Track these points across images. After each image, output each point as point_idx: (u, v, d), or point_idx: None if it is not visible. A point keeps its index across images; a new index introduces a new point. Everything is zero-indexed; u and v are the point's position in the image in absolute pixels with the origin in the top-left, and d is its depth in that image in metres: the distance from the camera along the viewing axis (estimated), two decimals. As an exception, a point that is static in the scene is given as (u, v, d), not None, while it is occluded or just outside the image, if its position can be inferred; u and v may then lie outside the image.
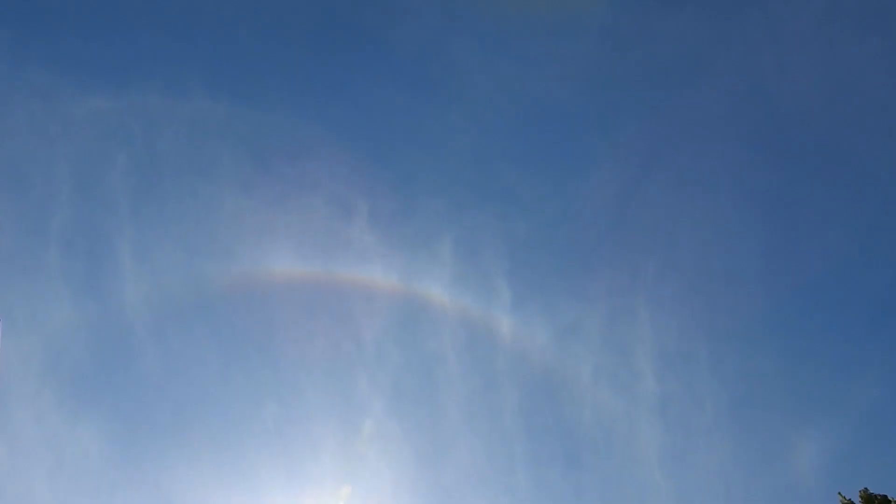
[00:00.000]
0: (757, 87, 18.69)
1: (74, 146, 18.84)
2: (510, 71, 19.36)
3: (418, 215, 19.07)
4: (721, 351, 18.32)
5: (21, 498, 15.39)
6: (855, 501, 9.09)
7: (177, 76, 18.98)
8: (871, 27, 17.83)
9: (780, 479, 17.70)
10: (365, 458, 18.65)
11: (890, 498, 8.91)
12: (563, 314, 18.44)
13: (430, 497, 17.89)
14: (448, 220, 18.97)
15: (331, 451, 18.41)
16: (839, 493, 9.38)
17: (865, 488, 9.05)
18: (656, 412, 18.35)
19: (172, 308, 18.46)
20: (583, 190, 19.15)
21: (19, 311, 17.21)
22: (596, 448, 19.13)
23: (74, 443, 16.58)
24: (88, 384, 18.56)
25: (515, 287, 18.42)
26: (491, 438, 18.90)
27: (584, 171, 19.54)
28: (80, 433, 16.83)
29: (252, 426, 18.82)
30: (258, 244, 18.45)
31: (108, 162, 18.73)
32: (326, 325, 19.35)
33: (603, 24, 19.11)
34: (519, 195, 19.44)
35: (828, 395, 17.97)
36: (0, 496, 14.68)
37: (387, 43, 19.83)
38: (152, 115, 18.53)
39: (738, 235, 19.29)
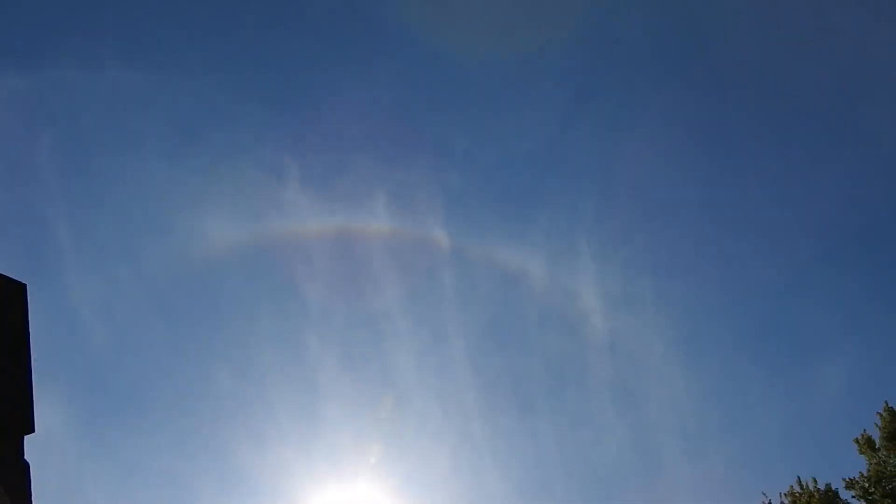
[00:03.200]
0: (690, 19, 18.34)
1: (-3, 129, 18.52)
2: (432, 22, 19.05)
3: (350, 172, 18.81)
4: (665, 288, 18.46)
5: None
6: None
7: (88, 47, 18.54)
8: None
9: (732, 409, 17.86)
10: (323, 418, 18.75)
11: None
12: (505, 261, 18.30)
13: (392, 454, 17.97)
14: (380, 175, 18.71)
15: (288, 411, 18.49)
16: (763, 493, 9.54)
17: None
18: (605, 353, 18.43)
19: (114, 286, 18.32)
20: (515, 136, 18.94)
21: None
22: (548, 392, 19.24)
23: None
24: (40, 366, 18.38)
25: (455, 238, 18.21)
26: (443, 391, 18.98)
27: (515, 116, 19.30)
28: (42, 413, 16.73)
29: (207, 393, 18.87)
30: (192, 214, 18.16)
31: (34, 143, 18.47)
32: (269, 288, 19.24)
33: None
34: (451, 146, 19.23)
35: (774, 325, 18.03)
36: None
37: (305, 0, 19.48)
38: (71, 91, 18.24)
39: (675, 172, 19.14)
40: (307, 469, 17.84)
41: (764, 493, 9.74)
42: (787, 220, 18.06)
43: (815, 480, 9.45)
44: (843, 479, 9.19)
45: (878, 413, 9.29)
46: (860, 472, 9.11)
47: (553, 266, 18.62)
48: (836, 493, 9.19)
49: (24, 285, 4.36)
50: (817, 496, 9.21)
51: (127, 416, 18.51)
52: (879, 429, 9.22)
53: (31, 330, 4.42)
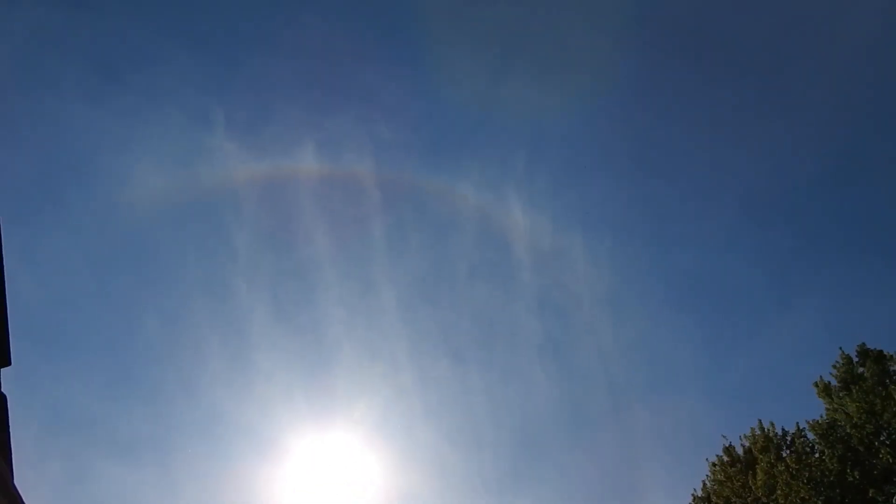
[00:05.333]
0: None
1: None
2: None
3: (277, 121, 18.26)
4: (595, 243, 18.52)
5: None
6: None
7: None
8: None
9: (660, 364, 18.17)
10: (255, 363, 18.52)
11: (886, 353, 9.42)
12: (434, 213, 18.08)
13: (322, 399, 17.96)
14: (308, 124, 18.20)
15: (219, 358, 18.26)
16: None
17: (862, 343, 9.62)
18: (535, 307, 18.44)
19: (37, 233, 17.43)
20: (444, 87, 18.52)
21: None
22: (478, 345, 19.28)
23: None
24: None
25: (384, 189, 17.82)
26: (373, 340, 18.90)
27: (445, 67, 18.87)
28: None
29: (136, 339, 18.73)
30: (116, 159, 17.33)
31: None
32: (197, 236, 18.72)
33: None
34: (380, 97, 18.80)
35: (700, 277, 18.29)
36: None
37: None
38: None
39: (605, 127, 19.04)
40: (239, 415, 17.85)
41: (724, 437, 10.21)
42: (716, 177, 18.27)
43: (772, 424, 9.85)
44: (807, 422, 9.51)
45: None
46: (820, 415, 9.44)
47: (483, 218, 18.48)
48: (802, 431, 9.59)
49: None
50: (774, 439, 9.64)
51: (55, 362, 18.18)
52: (835, 375, 9.53)
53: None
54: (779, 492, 8.97)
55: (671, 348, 18.31)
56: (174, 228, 18.28)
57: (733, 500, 9.59)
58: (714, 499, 9.87)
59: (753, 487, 9.33)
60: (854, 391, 9.07)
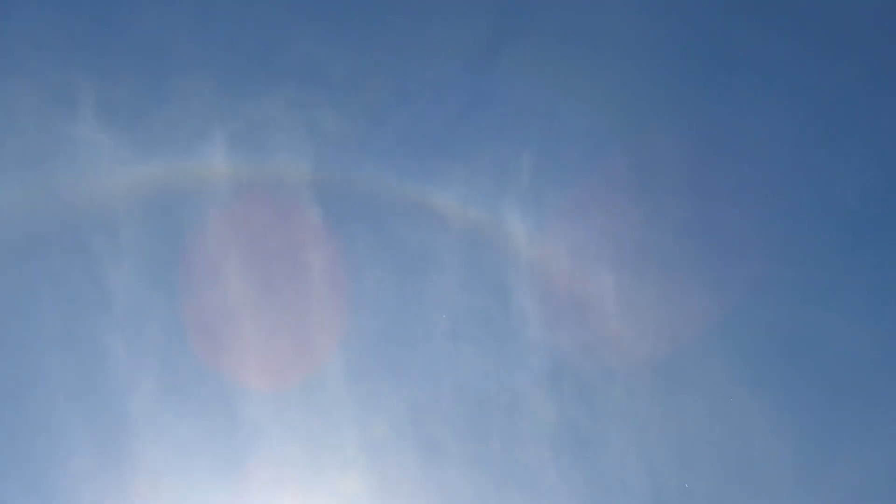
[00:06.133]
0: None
1: None
2: None
3: (173, 103, 13.83)
4: (634, 283, 14.13)
5: None
6: None
7: None
8: None
9: (729, 461, 13.30)
10: (136, 459, 13.84)
11: None
12: (401, 239, 13.56)
13: None
14: (220, 109, 13.80)
15: (81, 451, 13.57)
16: None
17: None
18: (545, 377, 13.61)
19: None
20: (416, 55, 14.05)
21: None
22: (463, 431, 14.45)
23: None
24: None
25: (328, 204, 13.48)
26: (310, 427, 13.95)
27: (417, 26, 14.35)
28: None
29: None
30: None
31: None
32: (52, 277, 14.02)
33: None
34: (324, 73, 14.29)
35: (793, 338, 13.46)
36: None
37: None
38: None
39: (650, 111, 14.29)
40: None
41: None
42: (812, 191, 13.31)
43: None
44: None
45: None
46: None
47: (471, 248, 14.14)
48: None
49: None
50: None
51: None
52: None
53: None
54: None
55: (750, 442, 13.15)
56: (16, 263, 13.73)
57: None
58: None
59: None
60: None
